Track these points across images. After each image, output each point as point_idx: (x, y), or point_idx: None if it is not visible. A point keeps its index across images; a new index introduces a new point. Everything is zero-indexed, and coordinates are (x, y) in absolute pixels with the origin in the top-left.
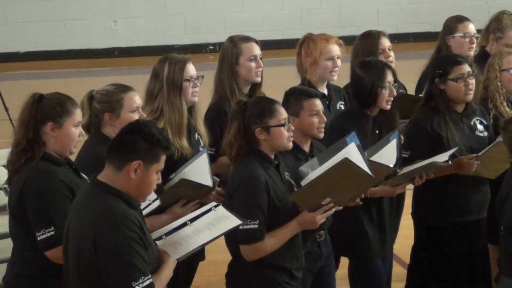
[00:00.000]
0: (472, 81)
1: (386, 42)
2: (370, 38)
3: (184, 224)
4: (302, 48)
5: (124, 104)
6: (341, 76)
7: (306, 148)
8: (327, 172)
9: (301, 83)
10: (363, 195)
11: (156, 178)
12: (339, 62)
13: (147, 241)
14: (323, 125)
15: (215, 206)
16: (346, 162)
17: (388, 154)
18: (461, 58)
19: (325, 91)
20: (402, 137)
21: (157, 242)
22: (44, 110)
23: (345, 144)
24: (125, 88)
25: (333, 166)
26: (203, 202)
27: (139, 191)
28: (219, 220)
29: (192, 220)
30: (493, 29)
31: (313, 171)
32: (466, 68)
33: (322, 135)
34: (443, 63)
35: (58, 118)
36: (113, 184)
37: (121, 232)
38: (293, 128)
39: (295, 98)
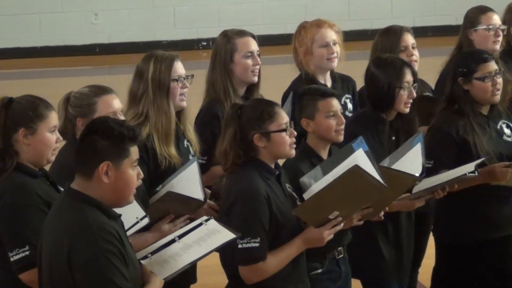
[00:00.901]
0: (500, 80)
1: (409, 39)
2: (391, 34)
3: (172, 241)
4: (296, 39)
5: (97, 109)
6: (352, 75)
7: (324, 154)
8: (334, 182)
9: (298, 79)
10: (387, 208)
11: (134, 174)
12: (336, 48)
13: (127, 256)
14: (342, 126)
15: (206, 220)
16: (356, 170)
17: (412, 161)
18: (487, 54)
19: (329, 83)
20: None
21: (143, 262)
22: (15, 116)
23: (352, 151)
24: (101, 91)
25: (342, 175)
26: (193, 217)
27: (119, 194)
28: (210, 235)
29: (181, 236)
30: (510, 20)
31: (316, 182)
32: (493, 65)
33: (341, 138)
34: (467, 60)
35: (31, 123)
36: (88, 193)
37: (97, 245)
38: (295, 133)
39: (309, 98)
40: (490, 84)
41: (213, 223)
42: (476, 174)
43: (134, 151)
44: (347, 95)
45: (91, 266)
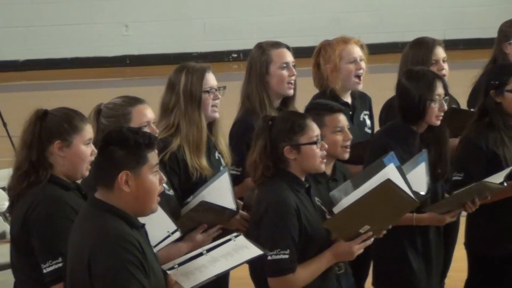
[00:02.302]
0: None
1: (441, 53)
2: (423, 46)
3: (199, 254)
4: (320, 56)
5: (132, 118)
6: (378, 88)
7: (328, 170)
8: (366, 195)
9: (321, 95)
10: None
11: (155, 179)
12: (363, 64)
13: (148, 266)
14: (349, 143)
15: (236, 236)
16: (389, 184)
17: (417, 179)
18: None
19: (349, 100)
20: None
21: (169, 272)
22: (50, 128)
23: (383, 166)
24: (134, 101)
25: (374, 189)
26: (226, 227)
27: (142, 202)
28: (237, 250)
29: (209, 250)
30: None
31: (347, 196)
32: None
33: (347, 155)
34: (499, 72)
35: (66, 136)
36: (112, 202)
37: (117, 254)
38: (326, 146)
39: (316, 113)
40: None
41: (242, 239)
42: (505, 185)
43: (153, 157)
44: (365, 112)
45: (110, 275)
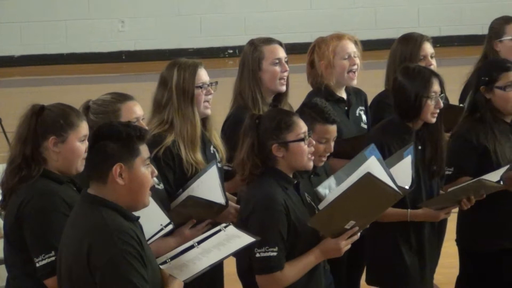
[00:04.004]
0: None
1: (429, 48)
2: (411, 42)
3: (191, 247)
4: (314, 53)
5: (121, 115)
6: (374, 85)
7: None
8: (347, 191)
9: (316, 92)
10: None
11: (147, 172)
12: (357, 60)
13: (146, 257)
14: (327, 154)
15: (225, 227)
16: (369, 177)
17: (402, 173)
18: (510, 63)
19: (344, 95)
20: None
21: (162, 266)
22: (46, 123)
23: (365, 159)
24: (123, 97)
25: (354, 184)
26: (216, 222)
27: (135, 194)
28: (229, 240)
29: (200, 242)
30: None
31: (331, 192)
32: None
33: (321, 164)
34: (489, 69)
35: (62, 132)
36: (105, 197)
37: (116, 246)
38: (314, 142)
39: (311, 116)
40: None
41: (232, 229)
42: (502, 183)
43: (144, 150)
44: (361, 107)
45: (110, 267)
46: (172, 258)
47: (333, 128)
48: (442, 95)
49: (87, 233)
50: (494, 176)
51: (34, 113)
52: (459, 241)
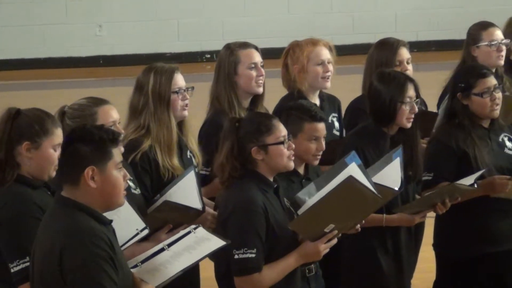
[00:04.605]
0: (499, 95)
1: (405, 53)
2: (387, 47)
3: (161, 250)
4: (288, 56)
5: (98, 118)
6: (351, 90)
7: (301, 170)
8: (329, 194)
9: (289, 96)
10: (363, 221)
11: (120, 175)
12: (330, 67)
13: (118, 261)
14: (321, 152)
15: (195, 228)
16: (351, 181)
17: (391, 175)
18: (486, 69)
19: (317, 101)
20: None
21: (132, 270)
22: (21, 128)
23: (345, 165)
24: (100, 101)
25: (336, 187)
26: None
27: (107, 197)
28: (199, 243)
29: (170, 244)
30: (510, 35)
31: (311, 198)
32: (492, 80)
33: (316, 163)
34: (466, 75)
35: (36, 138)
36: (78, 200)
37: (88, 249)
38: (293, 146)
39: (298, 116)
40: (489, 99)
41: (201, 231)
42: (476, 187)
43: (117, 153)
44: (333, 114)
45: (81, 270)
46: (143, 261)
47: (321, 126)
48: (417, 100)
49: (59, 236)
50: (468, 180)
51: (9, 117)
52: (436, 246)
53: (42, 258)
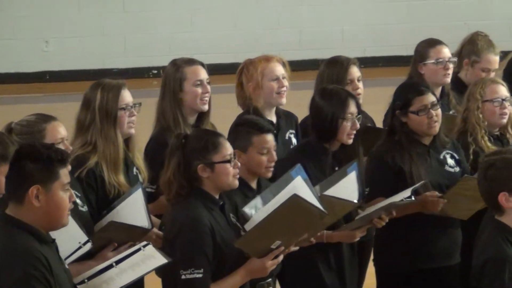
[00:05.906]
0: (437, 112)
1: (355, 72)
2: (338, 66)
3: (109, 266)
4: (243, 74)
5: (46, 135)
6: (301, 105)
7: (254, 184)
8: (274, 212)
9: (243, 115)
10: (318, 234)
11: (65, 196)
12: (285, 82)
13: (55, 282)
14: (273, 164)
15: (144, 246)
16: (295, 199)
17: (347, 189)
18: (423, 87)
19: (274, 119)
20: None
21: (79, 287)
22: None
23: (291, 179)
24: (48, 118)
25: (281, 205)
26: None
27: (51, 217)
28: (145, 260)
29: (118, 261)
30: (467, 53)
31: (257, 212)
32: (429, 98)
33: (270, 175)
34: (403, 93)
35: None
36: (21, 218)
37: (22, 269)
38: (239, 164)
39: (245, 131)
40: (425, 117)
41: (150, 248)
42: (413, 199)
43: (64, 174)
44: (291, 131)
45: None
46: (89, 278)
47: (270, 137)
48: (359, 116)
49: None
50: (405, 193)
51: None
52: (376, 261)
53: None
